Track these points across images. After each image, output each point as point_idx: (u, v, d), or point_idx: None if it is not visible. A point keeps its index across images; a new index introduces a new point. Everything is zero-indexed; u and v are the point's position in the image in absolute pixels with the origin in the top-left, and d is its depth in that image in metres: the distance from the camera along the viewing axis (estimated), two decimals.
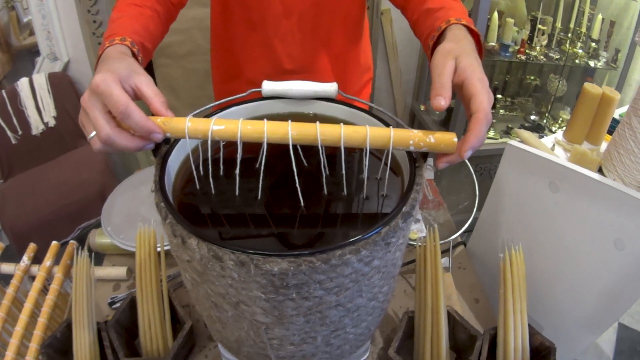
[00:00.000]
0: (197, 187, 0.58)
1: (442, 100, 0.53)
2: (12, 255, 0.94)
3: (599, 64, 2.15)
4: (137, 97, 0.56)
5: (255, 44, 0.98)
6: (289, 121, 0.53)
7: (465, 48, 0.59)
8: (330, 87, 0.65)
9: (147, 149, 0.55)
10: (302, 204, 0.55)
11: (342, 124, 0.53)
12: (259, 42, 0.97)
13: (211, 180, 0.57)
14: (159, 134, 0.53)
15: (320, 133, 0.52)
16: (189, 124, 0.53)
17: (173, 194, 0.57)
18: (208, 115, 0.64)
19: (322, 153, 0.54)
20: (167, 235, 0.50)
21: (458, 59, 0.56)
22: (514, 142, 0.91)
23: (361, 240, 0.45)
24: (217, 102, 0.66)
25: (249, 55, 1.00)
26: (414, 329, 0.78)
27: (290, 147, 0.53)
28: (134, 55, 0.65)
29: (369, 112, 0.66)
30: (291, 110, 0.68)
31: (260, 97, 0.67)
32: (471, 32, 0.66)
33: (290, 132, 0.52)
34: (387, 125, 0.63)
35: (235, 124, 0.53)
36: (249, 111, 0.68)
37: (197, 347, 0.83)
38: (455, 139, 0.53)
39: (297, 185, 0.54)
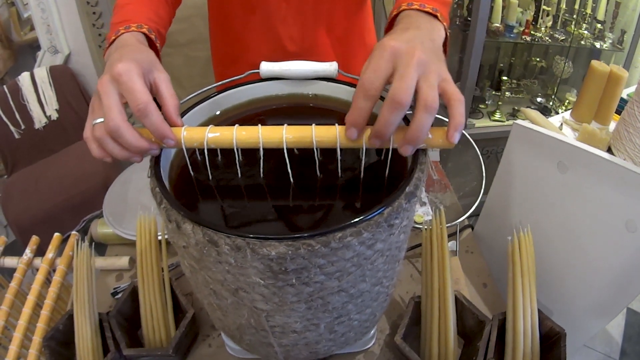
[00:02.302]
0: (193, 173, 0.57)
1: None
2: (19, 249, 0.94)
3: (604, 46, 2.11)
4: (152, 93, 0.54)
5: (256, 27, 0.96)
6: (284, 125, 0.51)
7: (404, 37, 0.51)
8: (330, 67, 0.63)
9: (151, 153, 0.53)
10: (301, 187, 0.54)
11: (337, 125, 0.51)
12: (260, 25, 0.95)
13: (208, 166, 0.55)
14: (172, 140, 0.51)
15: (315, 135, 0.50)
16: (185, 133, 0.52)
17: (169, 179, 0.55)
18: (208, 97, 0.63)
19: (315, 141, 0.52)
20: (163, 221, 0.48)
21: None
22: (521, 122, 0.89)
23: (362, 222, 0.43)
24: (217, 84, 0.65)
25: (250, 38, 0.98)
26: (421, 315, 0.76)
27: (285, 149, 0.51)
28: (152, 43, 0.63)
29: None
30: (291, 91, 0.66)
31: (259, 79, 0.66)
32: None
33: (285, 136, 0.51)
34: None
35: (230, 131, 0.51)
36: (248, 93, 0.66)
37: (200, 336, 0.82)
38: None
39: (290, 169, 0.52)
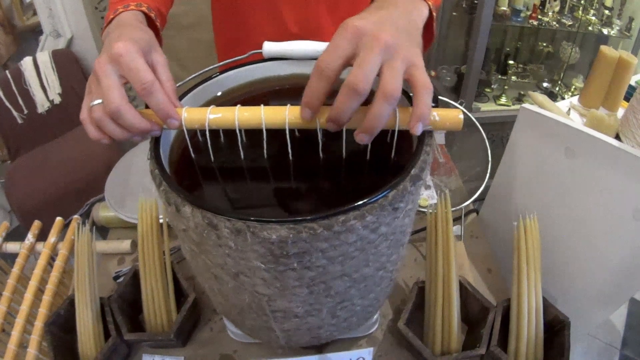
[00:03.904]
0: (194, 155, 0.55)
1: None
2: (23, 234, 0.94)
3: (612, 32, 2.08)
4: None
5: (259, 8, 0.94)
6: (288, 106, 0.50)
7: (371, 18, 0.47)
8: None
9: (153, 134, 0.52)
10: (303, 169, 0.53)
11: None
12: (263, 7, 0.94)
13: (210, 148, 0.54)
14: (176, 120, 0.50)
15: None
16: (186, 114, 0.50)
17: (169, 162, 0.54)
18: (210, 78, 0.62)
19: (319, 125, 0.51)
20: (163, 204, 0.48)
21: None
22: (528, 106, 0.87)
23: (366, 205, 0.42)
24: (218, 64, 0.64)
25: (253, 20, 0.96)
26: (425, 300, 0.76)
27: (287, 130, 0.50)
28: (151, 22, 0.62)
29: None
30: (293, 72, 0.65)
31: (262, 59, 0.64)
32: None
33: (288, 116, 0.49)
34: None
35: (231, 111, 0.50)
36: (251, 73, 0.65)
37: (202, 320, 0.81)
38: (461, 116, 0.48)
39: (292, 151, 0.51)
